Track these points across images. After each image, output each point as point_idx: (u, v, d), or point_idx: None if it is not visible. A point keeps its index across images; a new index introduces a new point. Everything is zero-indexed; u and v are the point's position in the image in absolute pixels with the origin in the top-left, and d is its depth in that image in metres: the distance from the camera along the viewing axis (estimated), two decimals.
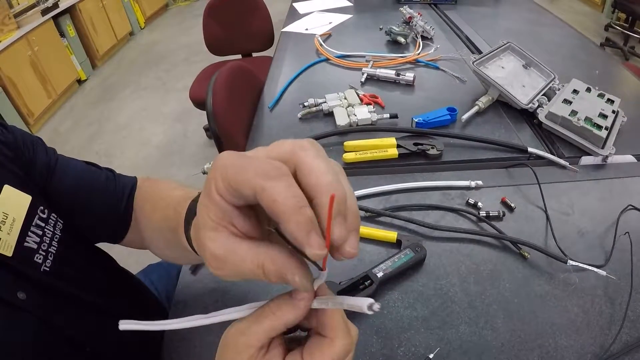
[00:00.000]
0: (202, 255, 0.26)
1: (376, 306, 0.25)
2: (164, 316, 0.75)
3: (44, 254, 0.44)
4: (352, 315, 0.55)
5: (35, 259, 0.44)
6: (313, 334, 0.28)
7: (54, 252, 0.46)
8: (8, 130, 0.48)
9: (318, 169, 0.23)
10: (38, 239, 0.44)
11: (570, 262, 0.59)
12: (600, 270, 0.57)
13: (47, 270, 0.44)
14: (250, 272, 0.24)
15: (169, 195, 0.50)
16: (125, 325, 0.28)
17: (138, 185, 0.58)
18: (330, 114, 0.98)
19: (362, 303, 0.25)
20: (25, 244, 0.43)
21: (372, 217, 0.71)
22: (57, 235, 0.47)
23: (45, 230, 0.45)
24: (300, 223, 0.22)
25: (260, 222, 0.27)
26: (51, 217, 0.47)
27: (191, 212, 0.40)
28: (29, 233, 0.44)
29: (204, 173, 0.88)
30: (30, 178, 0.48)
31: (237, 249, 0.24)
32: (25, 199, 0.44)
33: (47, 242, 0.45)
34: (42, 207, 0.46)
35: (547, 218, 0.68)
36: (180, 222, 0.41)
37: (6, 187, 0.43)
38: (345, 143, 0.85)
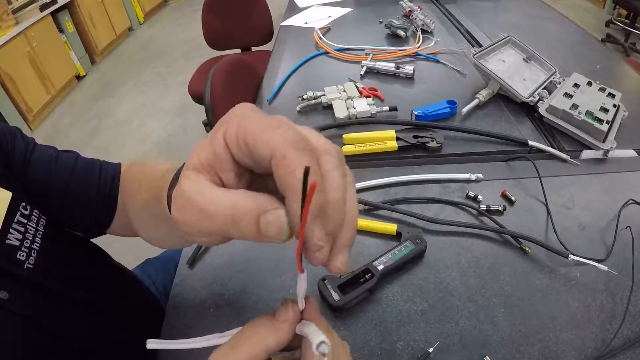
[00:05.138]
0: (173, 199, 0.23)
1: (324, 347, 0.23)
2: (159, 312, 0.74)
3: (27, 250, 0.43)
4: (351, 309, 0.55)
5: (18, 256, 0.43)
6: None
7: (38, 248, 0.45)
8: None
9: (332, 180, 0.22)
10: (20, 236, 0.43)
11: (571, 257, 0.58)
12: (601, 265, 0.56)
13: (30, 268, 0.43)
14: (218, 217, 0.21)
15: (156, 168, 0.47)
16: (152, 345, 0.28)
17: (125, 169, 0.56)
18: (329, 107, 0.97)
19: (315, 339, 0.24)
20: (7, 241, 0.42)
21: (370, 209, 0.70)
22: (40, 232, 0.46)
23: (28, 227, 0.45)
24: (313, 206, 0.20)
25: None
26: (34, 213, 0.46)
27: (177, 176, 0.36)
28: (11, 230, 0.42)
29: None
30: (12, 172, 0.47)
31: (206, 191, 0.22)
32: (5, 196, 0.43)
33: (30, 239, 0.44)
34: (24, 204, 0.45)
35: (548, 212, 0.67)
36: (164, 187, 0.38)
37: None
38: (344, 136, 0.84)
